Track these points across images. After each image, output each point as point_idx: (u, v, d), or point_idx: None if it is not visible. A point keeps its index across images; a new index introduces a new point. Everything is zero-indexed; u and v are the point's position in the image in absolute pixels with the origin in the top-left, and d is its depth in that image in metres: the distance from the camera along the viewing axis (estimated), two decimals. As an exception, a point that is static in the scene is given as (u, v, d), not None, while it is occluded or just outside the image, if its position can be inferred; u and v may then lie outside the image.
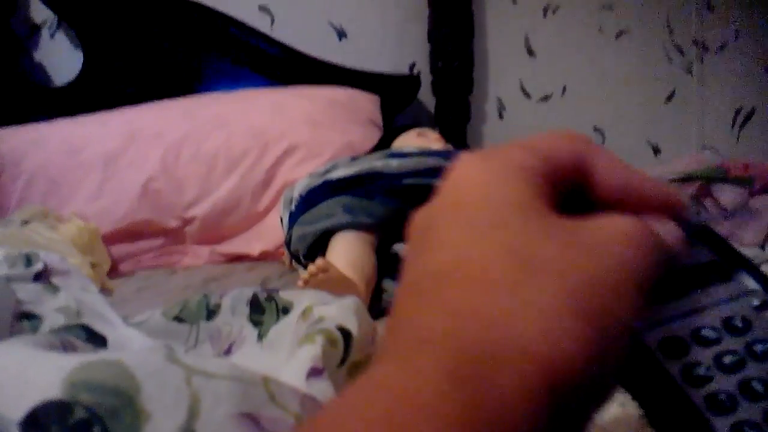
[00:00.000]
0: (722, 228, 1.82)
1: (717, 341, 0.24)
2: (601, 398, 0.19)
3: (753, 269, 0.27)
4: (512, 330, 0.17)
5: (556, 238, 0.19)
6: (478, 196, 0.21)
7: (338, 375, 0.56)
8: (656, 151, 2.21)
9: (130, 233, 1.40)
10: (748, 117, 2.27)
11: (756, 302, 0.25)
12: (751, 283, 0.26)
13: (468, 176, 0.22)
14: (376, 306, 0.97)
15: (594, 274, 0.19)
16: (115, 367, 0.31)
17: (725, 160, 2.03)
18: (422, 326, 0.18)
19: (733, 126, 2.27)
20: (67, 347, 0.50)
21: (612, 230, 0.20)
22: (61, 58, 1.75)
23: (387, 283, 0.98)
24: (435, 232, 0.21)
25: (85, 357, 0.32)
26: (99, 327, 0.56)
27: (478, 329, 0.17)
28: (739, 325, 0.24)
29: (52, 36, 1.76)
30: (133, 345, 0.55)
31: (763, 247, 1.78)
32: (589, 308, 0.18)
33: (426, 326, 0.18)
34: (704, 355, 0.24)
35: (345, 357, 0.57)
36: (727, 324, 0.24)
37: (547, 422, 0.17)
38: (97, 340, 0.54)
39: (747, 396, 0.23)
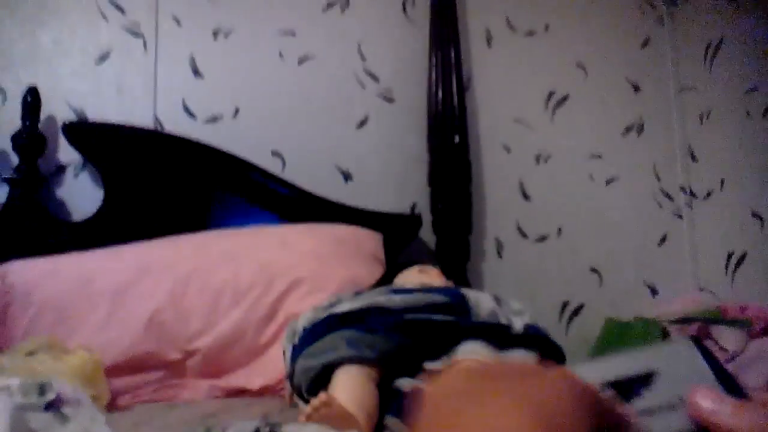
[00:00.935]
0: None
1: None
2: None
3: (736, 392, 0.28)
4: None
5: (502, 378, 0.27)
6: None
7: None
8: (653, 291, 2.25)
9: (132, 366, 1.40)
10: (741, 260, 2.33)
11: None
12: None
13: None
14: (378, 443, 0.96)
15: (529, 390, 0.24)
16: None
17: (722, 302, 2.05)
18: None
19: (726, 269, 2.32)
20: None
21: (537, 370, 0.27)
22: (83, 196, 1.85)
23: (388, 419, 0.97)
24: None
25: None
26: (106, 457, 0.57)
27: None
28: None
29: (76, 176, 1.88)
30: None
31: (766, 390, 1.76)
32: (531, 405, 0.23)
33: None
34: None
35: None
36: None
37: None
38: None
39: None
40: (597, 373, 0.28)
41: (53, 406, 0.65)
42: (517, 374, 0.26)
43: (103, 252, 1.60)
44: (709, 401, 0.26)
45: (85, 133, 1.82)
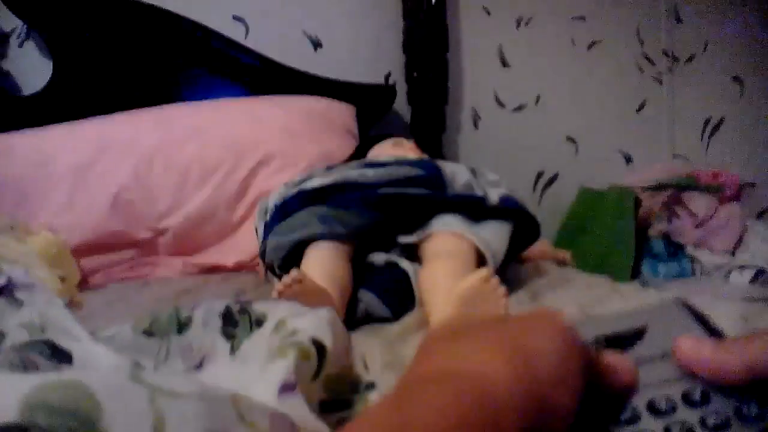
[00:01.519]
0: (693, 236, 1.85)
1: (670, 412, 0.26)
2: (536, 410, 0.22)
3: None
4: (444, 367, 0.23)
5: (483, 322, 0.27)
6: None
7: (312, 388, 0.56)
8: (628, 159, 2.24)
9: (101, 245, 1.37)
10: (717, 126, 2.32)
11: None
12: None
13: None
14: (352, 317, 0.96)
15: (510, 332, 0.25)
16: (75, 388, 0.30)
17: (695, 169, 2.06)
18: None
19: (702, 135, 2.31)
20: (28, 366, 0.48)
21: (523, 315, 0.27)
22: (30, 67, 1.72)
23: (363, 294, 0.97)
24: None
25: (45, 377, 0.31)
26: (64, 342, 0.55)
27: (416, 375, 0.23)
28: (697, 398, 0.26)
29: (21, 45, 1.73)
30: (100, 361, 0.53)
31: (733, 254, 1.81)
32: (509, 345, 0.24)
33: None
34: (654, 425, 0.25)
35: (319, 370, 0.56)
36: (686, 397, 0.26)
37: (463, 415, 0.20)
38: (62, 356, 0.53)
39: None
40: (588, 330, 0.28)
41: (5, 291, 0.61)
42: (502, 321, 0.27)
43: (59, 128, 1.51)
44: (690, 344, 0.27)
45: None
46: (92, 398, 0.30)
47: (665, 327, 0.29)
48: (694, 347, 0.27)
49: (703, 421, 0.25)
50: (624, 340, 0.28)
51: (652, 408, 0.26)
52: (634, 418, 0.26)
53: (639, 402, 0.26)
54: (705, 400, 0.26)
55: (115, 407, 0.30)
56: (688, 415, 0.26)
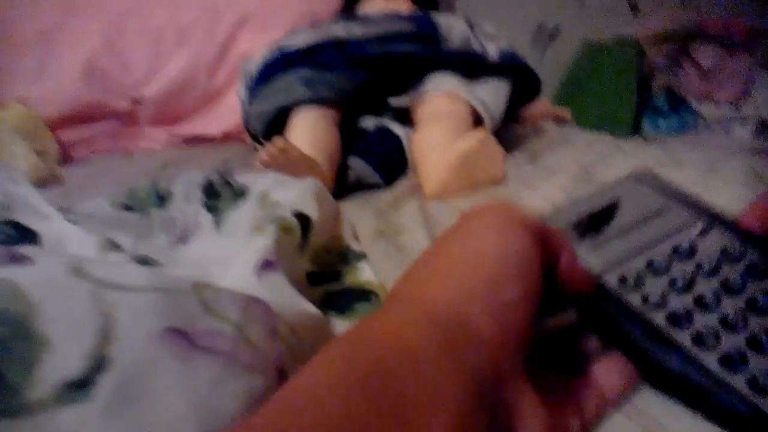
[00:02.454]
0: (698, 88, 1.77)
1: (668, 268, 0.27)
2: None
3: (693, 201, 0.30)
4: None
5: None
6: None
7: (297, 262, 0.53)
8: (634, 8, 2.10)
9: (78, 117, 1.30)
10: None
11: (698, 229, 0.29)
12: (692, 212, 0.30)
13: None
14: (342, 185, 0.92)
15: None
16: (3, 287, 0.26)
17: (703, 19, 1.93)
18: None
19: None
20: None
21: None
22: None
23: (353, 161, 0.93)
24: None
25: None
26: (30, 221, 0.51)
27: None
28: (686, 251, 0.28)
29: None
30: (70, 239, 0.50)
31: (737, 106, 1.75)
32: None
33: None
34: (659, 283, 0.27)
35: (304, 243, 0.54)
36: (676, 252, 0.28)
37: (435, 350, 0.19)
38: (29, 236, 0.50)
39: (701, 308, 0.26)
40: (565, 216, 0.29)
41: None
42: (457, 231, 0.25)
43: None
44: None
45: None
46: (24, 298, 0.26)
47: (634, 197, 0.30)
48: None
49: (698, 269, 0.27)
50: (600, 219, 0.29)
51: (652, 268, 0.27)
52: (640, 281, 0.27)
53: (639, 266, 0.27)
54: (693, 250, 0.28)
55: (53, 307, 0.26)
56: (683, 266, 0.27)
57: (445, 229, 0.25)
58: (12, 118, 1.14)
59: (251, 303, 0.33)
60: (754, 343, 0.25)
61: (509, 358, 0.21)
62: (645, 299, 0.26)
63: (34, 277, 0.27)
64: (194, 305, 0.29)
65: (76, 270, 0.28)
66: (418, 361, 0.18)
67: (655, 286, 0.26)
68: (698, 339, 0.25)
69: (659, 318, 0.25)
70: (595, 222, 0.29)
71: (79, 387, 0.24)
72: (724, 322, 0.25)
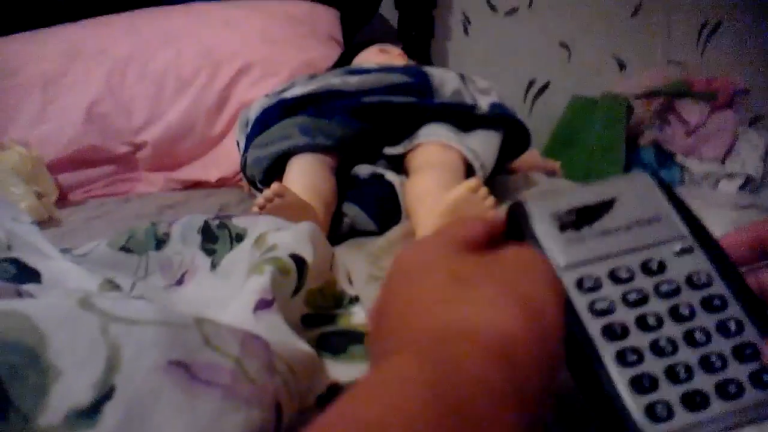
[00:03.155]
0: (684, 143, 1.82)
1: (628, 280, 0.28)
2: (549, 368, 0.22)
3: (688, 216, 0.30)
4: (464, 322, 0.22)
5: (479, 264, 0.26)
6: (423, 260, 0.27)
7: (292, 304, 0.54)
8: (622, 65, 2.18)
9: (78, 160, 1.33)
10: (713, 31, 2.24)
11: (678, 248, 0.29)
12: (681, 228, 0.29)
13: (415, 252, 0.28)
14: (337, 231, 0.94)
15: (511, 278, 0.25)
16: (16, 319, 0.27)
17: (689, 76, 2.01)
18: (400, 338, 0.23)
19: (698, 41, 2.24)
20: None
21: (513, 254, 0.27)
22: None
23: (347, 207, 0.95)
24: (402, 276, 0.27)
25: None
26: (32, 260, 0.52)
27: (439, 329, 0.22)
28: (654, 267, 0.28)
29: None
30: (70, 278, 0.51)
31: (723, 162, 1.80)
32: (516, 296, 0.23)
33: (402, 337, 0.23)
34: (613, 292, 0.27)
35: (299, 285, 0.55)
36: (644, 266, 0.28)
37: (502, 383, 0.20)
38: (30, 274, 0.51)
39: (640, 327, 0.27)
40: (561, 201, 0.30)
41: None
42: (495, 261, 0.26)
43: (22, 36, 1.43)
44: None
45: None
46: (36, 330, 0.27)
47: (633, 198, 0.30)
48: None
49: (657, 287, 0.27)
50: (593, 211, 0.29)
51: (613, 276, 0.28)
52: (596, 286, 0.27)
53: (602, 271, 0.28)
54: (661, 268, 0.28)
55: (63, 338, 0.27)
56: (644, 282, 0.28)
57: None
58: (13, 159, 1.16)
59: (250, 338, 0.34)
60: (671, 373, 0.25)
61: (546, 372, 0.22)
62: (592, 304, 0.27)
63: (45, 310, 0.28)
64: (196, 339, 0.31)
65: (85, 303, 0.30)
66: (495, 402, 0.19)
67: (607, 294, 0.27)
68: (621, 355, 0.25)
69: (595, 326, 0.26)
70: (583, 216, 0.29)
71: (87, 415, 0.25)
72: (654, 345, 0.26)
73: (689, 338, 0.26)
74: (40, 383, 0.26)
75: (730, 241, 0.28)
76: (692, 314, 0.27)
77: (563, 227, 0.29)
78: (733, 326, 0.26)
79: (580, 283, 0.27)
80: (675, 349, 0.26)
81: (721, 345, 0.26)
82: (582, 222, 0.29)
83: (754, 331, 0.26)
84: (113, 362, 0.27)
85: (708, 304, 0.27)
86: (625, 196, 0.30)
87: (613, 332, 0.26)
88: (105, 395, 0.26)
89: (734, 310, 0.27)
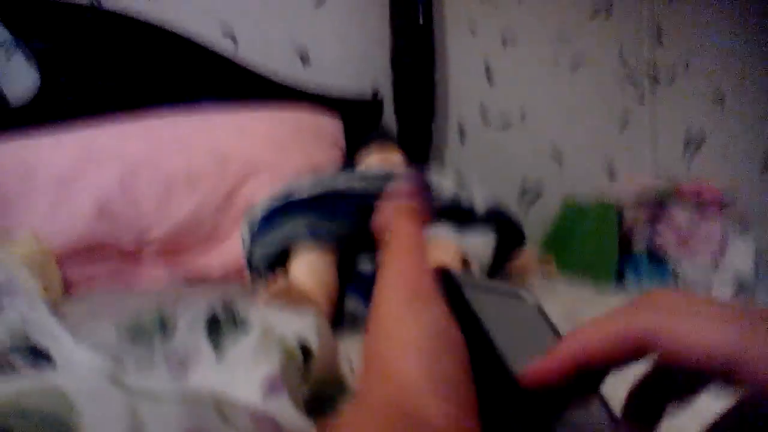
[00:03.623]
0: (675, 249, 1.87)
1: None
2: None
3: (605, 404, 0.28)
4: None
5: None
6: None
7: (300, 392, 0.55)
8: (612, 175, 2.27)
9: (85, 255, 1.36)
10: (699, 145, 2.36)
11: None
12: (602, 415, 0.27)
13: None
14: (339, 323, 0.96)
15: None
16: (52, 393, 0.29)
17: (678, 183, 2.09)
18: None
19: (684, 152, 2.35)
20: (7, 369, 0.48)
21: None
22: (17, 80, 1.71)
23: (350, 300, 0.97)
24: None
25: (20, 382, 0.30)
26: (46, 346, 0.54)
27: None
28: None
29: (8, 59, 1.72)
30: (83, 363, 0.53)
31: (715, 266, 1.83)
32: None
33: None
34: None
35: (305, 373, 0.56)
36: None
37: None
38: (44, 359, 0.52)
39: None
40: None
41: (-12, 295, 0.61)
42: None
43: (43, 139, 1.50)
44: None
45: (14, 8, 1.65)
46: (69, 403, 0.29)
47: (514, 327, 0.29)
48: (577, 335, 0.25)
49: None
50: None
51: None
52: None
53: None
54: None
55: (93, 412, 0.29)
56: None
57: None
58: (23, 252, 1.19)
59: (262, 417, 0.36)
60: None
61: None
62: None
63: (78, 384, 0.30)
64: (213, 416, 0.32)
65: (114, 379, 0.32)
66: None
67: None
68: None
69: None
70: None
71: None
72: None
73: None
74: (73, 456, 0.27)
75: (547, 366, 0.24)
76: None
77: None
78: None
79: None
80: None
81: None
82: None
83: None
84: (138, 435, 0.29)
85: None
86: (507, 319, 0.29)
87: None
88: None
89: None
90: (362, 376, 0.24)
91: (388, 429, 0.21)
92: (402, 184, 0.28)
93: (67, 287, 1.32)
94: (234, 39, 1.85)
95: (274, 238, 1.04)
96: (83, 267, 1.36)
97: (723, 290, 1.74)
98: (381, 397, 0.22)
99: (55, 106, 1.65)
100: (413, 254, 0.28)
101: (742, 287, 1.73)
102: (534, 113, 2.17)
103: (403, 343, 0.23)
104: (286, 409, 0.45)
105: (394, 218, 0.30)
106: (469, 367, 0.23)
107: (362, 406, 0.23)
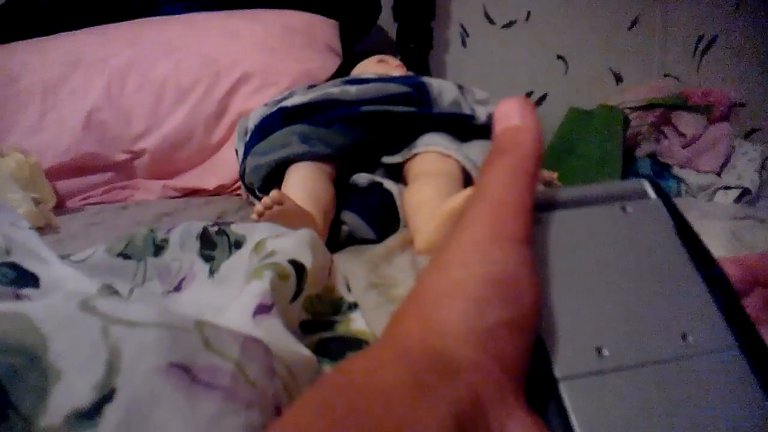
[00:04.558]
0: (681, 155, 1.83)
1: None
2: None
3: (689, 238, 0.25)
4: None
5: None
6: None
7: (291, 309, 0.54)
8: (618, 78, 2.19)
9: (76, 168, 1.33)
10: (710, 44, 2.26)
11: None
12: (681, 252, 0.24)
13: None
14: (335, 238, 0.94)
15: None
16: (16, 321, 0.27)
17: (685, 89, 2.02)
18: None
19: (694, 53, 2.25)
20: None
21: None
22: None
23: (346, 215, 0.95)
24: None
25: None
26: (30, 265, 0.52)
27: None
28: None
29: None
30: (69, 283, 0.51)
31: (719, 174, 1.81)
32: None
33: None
34: None
35: (298, 291, 0.55)
36: None
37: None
38: (28, 278, 0.51)
39: None
40: (545, 198, 0.25)
41: (-33, 214, 0.58)
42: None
43: (25, 45, 1.43)
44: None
45: None
46: (37, 331, 0.27)
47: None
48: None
49: None
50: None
51: None
52: None
53: None
54: None
55: (63, 340, 0.27)
56: None
57: None
58: (11, 166, 1.16)
59: (250, 342, 0.34)
60: None
61: (493, 385, 0.20)
62: None
63: (46, 311, 0.28)
64: (196, 341, 0.30)
65: (85, 305, 0.30)
66: (391, 402, 0.18)
67: None
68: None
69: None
70: None
71: (88, 416, 0.25)
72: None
73: None
74: (41, 385, 0.25)
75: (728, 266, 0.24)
76: None
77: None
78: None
79: None
80: None
81: None
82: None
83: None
84: (113, 364, 0.27)
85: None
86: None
87: None
88: (105, 397, 0.26)
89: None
90: (401, 308, 0.22)
91: (400, 370, 0.19)
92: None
93: (61, 200, 1.30)
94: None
95: (266, 150, 1.00)
96: (75, 180, 1.33)
97: (726, 198, 1.73)
98: (396, 340, 0.21)
99: (33, 12, 1.56)
100: (520, 182, 0.23)
101: (745, 195, 1.72)
102: (539, 12, 2.06)
103: (453, 283, 0.21)
104: (276, 330, 0.44)
105: (521, 126, 0.24)
106: (533, 323, 0.21)
107: (387, 339, 0.21)
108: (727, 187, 1.78)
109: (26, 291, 0.47)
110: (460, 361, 0.20)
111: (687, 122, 1.86)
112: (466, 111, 1.09)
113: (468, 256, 0.21)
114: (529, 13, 2.05)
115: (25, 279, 0.51)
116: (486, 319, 0.20)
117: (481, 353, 0.20)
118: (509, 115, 0.25)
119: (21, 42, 1.45)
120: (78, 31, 1.47)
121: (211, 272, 0.69)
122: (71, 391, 0.26)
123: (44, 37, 1.46)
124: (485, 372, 0.20)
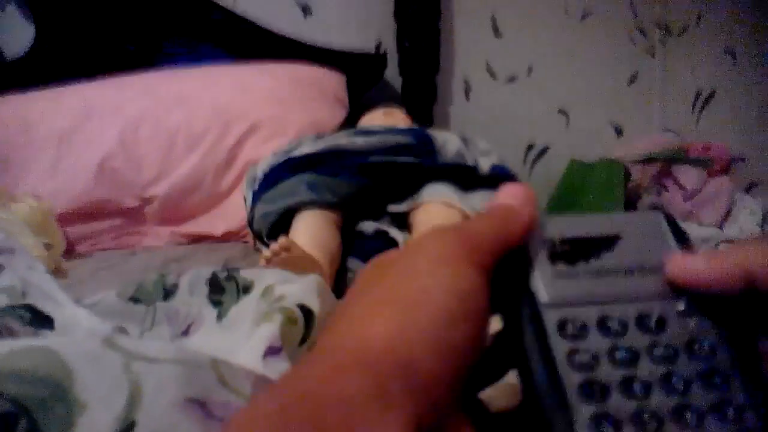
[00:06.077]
0: (682, 208, 1.85)
1: (620, 333, 0.23)
2: (446, 356, 0.21)
3: None
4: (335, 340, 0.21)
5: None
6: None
7: (299, 354, 0.55)
8: (619, 132, 2.24)
9: (87, 213, 1.35)
10: (708, 99, 2.31)
11: (682, 307, 0.24)
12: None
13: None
14: (341, 285, 0.95)
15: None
16: (46, 355, 0.28)
17: (685, 142, 2.06)
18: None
19: (693, 108, 2.30)
20: (3, 332, 0.47)
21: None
22: (12, 32, 1.67)
23: (351, 262, 0.97)
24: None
25: (15, 344, 0.29)
26: (46, 307, 0.54)
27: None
28: (651, 324, 0.24)
29: (2, 9, 1.68)
30: (82, 326, 0.52)
31: (721, 227, 1.82)
32: (395, 295, 0.22)
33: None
34: (600, 343, 0.23)
35: (306, 335, 0.56)
36: (640, 320, 0.24)
37: (357, 391, 0.19)
38: (43, 321, 0.52)
39: (624, 392, 0.22)
40: (558, 228, 0.25)
41: (-15, 257, 0.60)
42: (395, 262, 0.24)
43: (42, 94, 1.48)
44: (682, 258, 0.24)
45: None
46: (64, 365, 0.28)
47: (640, 239, 0.25)
48: (686, 260, 0.24)
49: (650, 349, 0.23)
50: (592, 246, 0.25)
51: (603, 325, 0.23)
52: (581, 334, 0.23)
53: (590, 317, 0.23)
54: (660, 326, 0.24)
55: (88, 374, 0.28)
56: (637, 339, 0.23)
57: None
58: (23, 211, 1.19)
59: (261, 380, 0.35)
60: None
61: (452, 400, 0.20)
62: (572, 354, 0.23)
63: (72, 347, 0.29)
64: (211, 378, 0.32)
65: (108, 341, 0.31)
66: (352, 412, 0.18)
67: (593, 346, 0.23)
68: (597, 421, 0.22)
69: (571, 380, 0.22)
70: (580, 249, 0.25)
71: (110, 448, 0.27)
72: (635, 417, 0.22)
73: (677, 416, 0.22)
74: (67, 416, 0.27)
75: (714, 274, 0.23)
76: (686, 388, 0.23)
77: (554, 257, 0.24)
78: (731, 412, 0.22)
79: (562, 326, 0.23)
80: (660, 425, 0.22)
81: (714, 430, 0.22)
82: (577, 255, 0.25)
83: (754, 419, 0.22)
84: (134, 398, 0.28)
85: (706, 380, 0.23)
86: (632, 235, 0.25)
87: (591, 391, 0.22)
88: (127, 429, 0.27)
89: (736, 390, 0.23)
90: (360, 310, 0.22)
91: (362, 378, 0.19)
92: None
93: (71, 246, 1.32)
94: (233, -10, 1.80)
95: (275, 198, 1.03)
96: (85, 226, 1.36)
97: (728, 249, 1.73)
98: (358, 343, 0.20)
99: (52, 62, 1.62)
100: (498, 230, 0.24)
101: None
102: (541, 67, 2.12)
103: (422, 291, 0.21)
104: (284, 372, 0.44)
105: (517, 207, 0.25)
106: (478, 340, 0.21)
107: (344, 342, 0.20)
108: (729, 241, 1.79)
109: (43, 332, 0.48)
110: (426, 375, 0.19)
111: (688, 175, 1.89)
112: (470, 162, 1.12)
113: (435, 267, 0.22)
114: (530, 68, 2.11)
115: (40, 321, 0.52)
116: (451, 335, 0.20)
117: (446, 369, 0.20)
118: (514, 195, 0.26)
119: (37, 91, 1.49)
120: (94, 81, 1.52)
121: (220, 317, 0.70)
122: (95, 423, 0.27)
123: (61, 87, 1.51)
124: (449, 389, 0.20)
